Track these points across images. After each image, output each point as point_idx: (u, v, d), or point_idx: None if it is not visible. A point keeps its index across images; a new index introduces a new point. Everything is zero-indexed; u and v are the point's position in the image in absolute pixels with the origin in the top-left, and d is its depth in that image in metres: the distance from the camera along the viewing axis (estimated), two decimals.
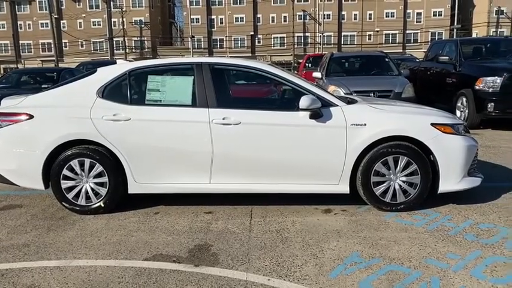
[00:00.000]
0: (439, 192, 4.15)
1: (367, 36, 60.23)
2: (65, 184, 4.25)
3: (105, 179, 4.23)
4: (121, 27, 57.68)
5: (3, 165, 4.34)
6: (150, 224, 4.01)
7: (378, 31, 60.25)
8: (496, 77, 8.51)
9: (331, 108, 4.13)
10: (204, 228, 3.88)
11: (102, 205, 4.27)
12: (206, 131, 4.12)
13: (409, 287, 2.81)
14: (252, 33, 60.41)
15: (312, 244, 3.48)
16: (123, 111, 4.18)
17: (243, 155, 4.14)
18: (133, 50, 60.81)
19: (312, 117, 4.07)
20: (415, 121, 4.15)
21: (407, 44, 59.39)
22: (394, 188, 4.15)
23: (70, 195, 4.27)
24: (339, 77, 9.45)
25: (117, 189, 4.25)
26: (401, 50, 56.67)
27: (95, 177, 4.24)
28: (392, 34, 60.53)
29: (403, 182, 4.14)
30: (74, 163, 4.21)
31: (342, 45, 59.89)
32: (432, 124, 4.11)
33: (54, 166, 4.21)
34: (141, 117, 4.17)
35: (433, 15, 59.34)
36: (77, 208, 4.28)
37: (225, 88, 4.69)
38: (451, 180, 4.13)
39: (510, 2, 58.46)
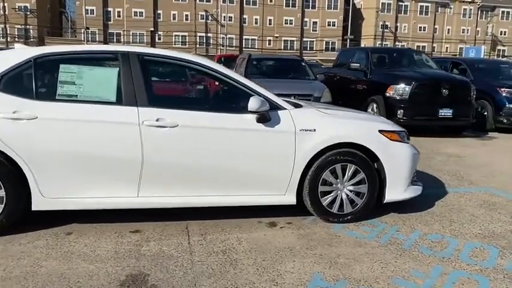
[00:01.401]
0: (385, 201, 3.98)
1: (267, 41, 61.66)
2: None
3: (0, 192, 3.34)
4: (1, 12, 51.75)
5: None
6: (62, 248, 3.23)
7: (277, 37, 62.02)
8: (406, 86, 8.88)
9: (279, 112, 3.73)
10: (134, 251, 3.22)
11: (5, 221, 3.37)
12: (135, 134, 3.45)
13: None
14: (152, 29, 58.27)
15: (266, 267, 3.04)
16: (27, 108, 3.34)
17: (179, 163, 3.55)
18: (17, 40, 54.82)
19: (259, 120, 3.63)
20: (364, 127, 3.93)
21: (304, 51, 61.90)
22: (341, 198, 3.89)
23: None
24: (259, 79, 9.14)
25: (17, 205, 3.39)
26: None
27: None
28: (290, 40, 62.77)
29: (350, 191, 3.90)
30: None
31: (244, 48, 60.53)
32: (380, 131, 3.92)
33: None
34: (51, 115, 3.36)
35: (328, 25, 62.79)
36: None
37: (157, 84, 4.04)
38: (397, 189, 3.98)
39: (393, 18, 64.26)
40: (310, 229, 3.76)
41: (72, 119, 3.39)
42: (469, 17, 67.00)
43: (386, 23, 64.25)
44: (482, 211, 4.38)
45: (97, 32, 56.28)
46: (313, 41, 63.77)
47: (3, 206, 3.35)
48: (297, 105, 3.98)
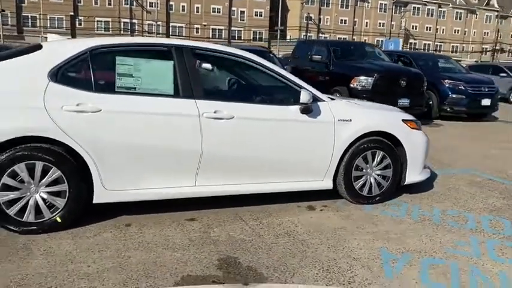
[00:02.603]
0: (405, 183, 4.46)
1: (195, 29, 60.94)
2: (5, 197, 3.17)
3: (63, 186, 3.29)
4: None
5: None
6: (135, 239, 3.29)
7: (205, 25, 61.50)
8: (368, 77, 9.55)
9: (319, 104, 4.03)
10: (206, 238, 3.36)
11: (59, 220, 3.33)
12: (195, 125, 3.56)
13: (462, 278, 2.94)
14: (72, 13, 54.92)
15: (335, 245, 3.35)
16: (90, 101, 3.31)
17: (233, 153, 3.72)
18: None
19: (303, 111, 3.90)
20: (390, 117, 4.36)
21: (232, 40, 62.04)
22: (371, 181, 4.29)
23: (12, 211, 3.21)
24: None
25: (79, 199, 3.36)
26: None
27: (49, 185, 3.27)
28: (218, 29, 62.57)
29: (378, 175, 4.31)
30: (20, 168, 3.17)
31: (171, 36, 59.33)
32: (403, 120, 4.38)
33: None
34: (114, 108, 3.37)
35: (255, 15, 63.46)
36: (20, 228, 3.24)
37: (210, 77, 4.12)
38: (414, 172, 4.47)
39: (317, 10, 66.51)
40: (347, 211, 4.12)
41: (134, 111, 3.42)
42: (385, 12, 71.28)
43: (311, 15, 66.35)
44: (475, 189, 5.04)
45: (9, 15, 51.87)
46: (241, 30, 64.11)
47: (65, 200, 3.31)
48: (331, 98, 4.31)
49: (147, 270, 2.83)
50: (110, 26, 56.94)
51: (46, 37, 3.92)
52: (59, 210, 3.31)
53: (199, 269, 2.88)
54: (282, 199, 4.20)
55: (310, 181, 4.08)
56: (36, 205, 3.26)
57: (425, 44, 73.52)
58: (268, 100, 4.00)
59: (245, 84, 4.13)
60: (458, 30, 76.06)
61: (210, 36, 61.48)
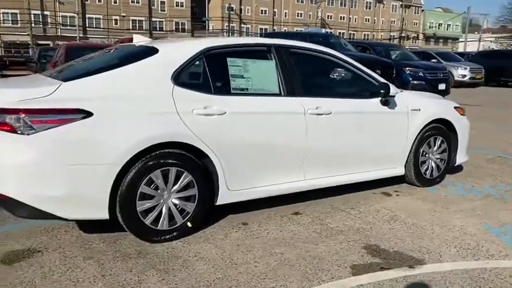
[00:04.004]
0: (455, 164, 4.93)
1: (114, 21, 58.32)
2: (142, 206, 3.07)
3: (193, 191, 3.26)
4: None
5: (41, 191, 2.78)
6: (267, 236, 3.34)
7: (124, 16, 59.07)
8: None
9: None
10: (329, 229, 3.51)
11: (190, 225, 3.29)
12: (301, 122, 3.68)
13: None
14: None
15: (441, 224, 3.67)
16: (214, 103, 3.29)
17: (331, 147, 3.90)
18: None
19: (383, 104, 4.17)
20: (446, 105, 4.78)
21: (154, 32, 60.31)
22: (432, 165, 4.69)
23: (148, 220, 3.12)
24: None
25: (205, 202, 3.34)
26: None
27: (180, 190, 3.21)
28: (139, 20, 60.47)
29: (437, 159, 4.72)
30: (156, 175, 3.08)
31: (88, 28, 56.28)
32: (454, 107, 4.82)
33: (126, 182, 2.98)
34: (236, 109, 3.37)
35: (176, 6, 62.22)
36: (157, 237, 3.16)
37: (305, 74, 4.19)
38: (462, 154, 4.95)
39: (237, 0, 66.77)
40: (418, 194, 4.48)
41: (252, 111, 3.46)
42: (302, 2, 73.55)
43: (232, 5, 66.45)
44: (496, 166, 5.68)
45: None
46: (162, 21, 62.54)
47: (195, 204, 3.28)
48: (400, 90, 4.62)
49: (312, 264, 2.94)
50: (18, 19, 52.54)
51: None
52: (190, 215, 3.27)
53: (357, 258, 3.04)
54: (350, 189, 4.38)
55: (387, 169, 4.37)
56: (169, 212, 3.19)
57: (339, 33, 77.09)
58: (354, 94, 4.21)
59: (334, 80, 4.29)
60: (368, 19, 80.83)
61: (130, 27, 59.17)
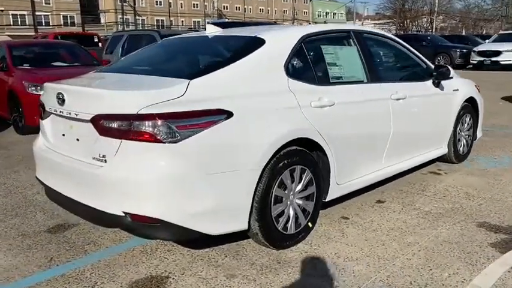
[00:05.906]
0: (476, 139, 5.24)
1: None
2: (276, 210, 2.79)
3: (312, 189, 3.03)
4: None
5: (191, 207, 2.36)
6: (379, 227, 3.24)
7: (2, 10, 53.11)
8: None
9: None
10: (428, 213, 3.52)
11: (310, 225, 3.07)
12: (388, 108, 3.63)
13: None
14: None
15: None
16: (323, 94, 3.07)
17: (406, 132, 3.89)
18: None
19: (436, 85, 4.28)
20: (470, 85, 5.02)
21: (39, 27, 55.21)
22: (463, 142, 4.94)
23: (280, 225, 2.84)
24: None
25: (319, 200, 3.14)
26: (34, 33, 52.39)
27: (302, 189, 2.97)
28: (20, 15, 54.80)
29: (466, 135, 4.99)
30: (285, 175, 2.81)
31: None
32: (475, 85, 5.11)
33: (263, 186, 2.67)
34: (342, 100, 3.19)
35: None
36: (287, 242, 2.90)
37: (379, 60, 4.05)
38: (479, 129, 5.29)
39: None
40: (462, 170, 4.70)
41: (353, 101, 3.31)
42: None
43: None
44: (496, 138, 6.14)
45: None
46: (48, 15, 57.41)
47: (313, 202, 3.06)
48: None
49: (457, 249, 2.91)
50: None
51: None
52: (309, 214, 3.04)
53: (486, 237, 3.07)
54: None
55: (438, 149, 4.51)
56: (295, 214, 2.94)
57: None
58: (415, 78, 4.24)
59: (399, 64, 4.26)
60: (262, 9, 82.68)
61: (11, 23, 53.48)
